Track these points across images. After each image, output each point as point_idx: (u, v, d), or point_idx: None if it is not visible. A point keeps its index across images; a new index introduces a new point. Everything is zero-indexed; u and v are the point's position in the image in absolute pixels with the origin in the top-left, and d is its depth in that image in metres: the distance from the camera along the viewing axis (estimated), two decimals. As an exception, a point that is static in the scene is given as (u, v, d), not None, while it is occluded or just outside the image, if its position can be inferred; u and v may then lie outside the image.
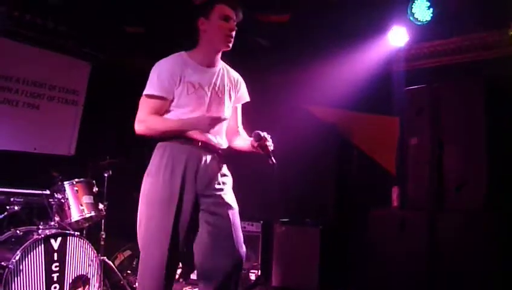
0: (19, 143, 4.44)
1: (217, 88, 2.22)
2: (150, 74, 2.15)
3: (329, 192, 4.88)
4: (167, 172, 2.10)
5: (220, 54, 2.24)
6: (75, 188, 3.75)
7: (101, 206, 3.86)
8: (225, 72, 2.29)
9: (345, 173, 4.88)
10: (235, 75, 2.36)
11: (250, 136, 2.22)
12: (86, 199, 3.76)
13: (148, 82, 2.14)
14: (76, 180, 3.78)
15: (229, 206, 2.16)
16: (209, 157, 2.17)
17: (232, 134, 2.36)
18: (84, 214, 3.69)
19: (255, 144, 2.09)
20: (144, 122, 2.10)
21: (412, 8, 4.15)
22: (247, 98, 2.39)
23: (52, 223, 3.48)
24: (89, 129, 4.85)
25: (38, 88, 4.64)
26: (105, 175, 4.10)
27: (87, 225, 3.85)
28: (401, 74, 4.55)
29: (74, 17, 4.59)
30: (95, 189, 3.88)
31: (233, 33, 2.17)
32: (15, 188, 3.68)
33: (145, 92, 2.14)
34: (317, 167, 4.87)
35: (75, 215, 3.66)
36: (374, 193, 4.48)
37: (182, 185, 2.08)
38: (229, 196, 2.21)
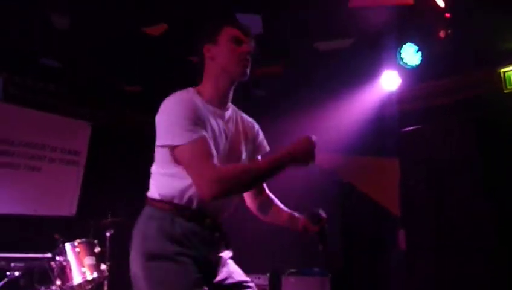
0: (20, 206, 4.42)
1: (231, 135, 1.72)
2: (163, 121, 1.59)
3: (335, 238, 4.80)
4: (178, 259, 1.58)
5: (232, 89, 1.74)
6: (77, 249, 3.71)
7: (103, 266, 3.83)
8: (237, 114, 1.81)
9: (349, 218, 4.85)
10: (250, 120, 1.86)
11: (284, 203, 1.80)
12: (88, 260, 3.72)
13: (167, 132, 1.57)
14: (78, 241, 3.75)
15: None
16: (214, 237, 1.68)
17: (256, 196, 1.85)
18: (86, 276, 3.64)
19: (312, 228, 1.67)
20: (211, 179, 1.47)
21: (400, 53, 4.26)
22: (267, 148, 1.87)
23: (54, 287, 3.42)
24: (90, 188, 4.85)
25: (39, 150, 4.69)
26: (108, 234, 4.08)
27: (89, 287, 3.78)
28: (395, 116, 4.60)
29: (73, 78, 4.70)
30: (97, 249, 3.85)
31: (249, 58, 1.70)
32: (15, 253, 3.64)
33: (179, 142, 1.54)
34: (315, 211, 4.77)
35: (77, 278, 3.60)
36: (380, 236, 4.45)
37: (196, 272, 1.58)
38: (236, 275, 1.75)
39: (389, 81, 4.46)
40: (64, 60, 4.50)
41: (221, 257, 1.71)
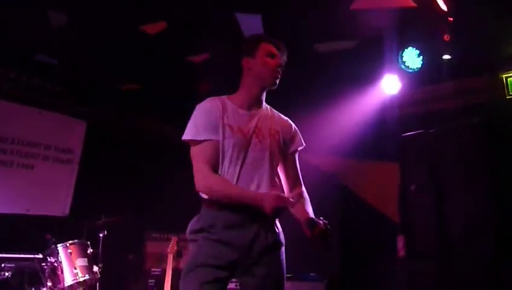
0: (12, 205, 4.38)
1: (258, 132, 2.04)
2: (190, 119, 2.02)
3: (332, 243, 4.76)
4: (202, 240, 1.92)
5: (264, 95, 2.11)
6: (69, 251, 3.69)
7: (95, 268, 3.81)
8: (270, 114, 2.13)
9: (348, 223, 4.80)
10: (284, 118, 2.19)
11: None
12: (80, 262, 3.70)
13: (187, 126, 2.00)
14: (70, 242, 3.73)
15: (273, 279, 1.95)
16: (253, 220, 1.92)
17: (290, 189, 2.11)
18: (77, 277, 3.62)
19: (309, 233, 1.84)
20: (203, 180, 1.91)
21: (402, 56, 4.25)
22: (301, 144, 2.17)
23: (44, 289, 3.40)
24: (84, 188, 4.83)
25: (33, 148, 4.65)
26: (101, 235, 4.07)
27: (81, 289, 3.74)
28: (396, 120, 4.59)
29: (70, 76, 4.67)
30: (90, 250, 3.84)
31: (280, 70, 2.07)
32: (6, 253, 3.61)
33: (185, 138, 1.98)
34: (317, 218, 4.75)
35: (68, 280, 3.58)
36: (379, 242, 4.41)
37: (215, 257, 1.88)
38: (276, 268, 1.97)
39: (390, 85, 4.48)
40: (61, 57, 4.47)
41: (262, 244, 1.93)
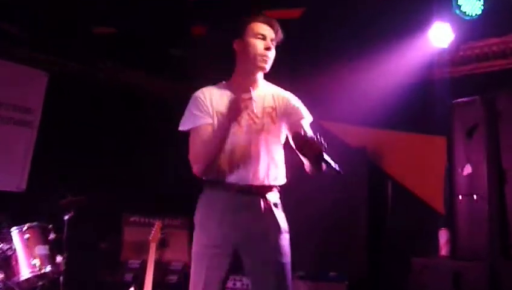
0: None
1: (252, 114, 2.49)
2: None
3: (357, 236, 4.82)
4: (203, 225, 2.47)
5: (259, 77, 2.56)
6: (26, 236, 3.70)
7: (59, 259, 3.84)
8: (266, 94, 2.57)
9: (377, 212, 4.84)
10: (282, 93, 2.61)
11: None
12: (40, 250, 3.72)
13: (184, 118, 2.54)
14: (27, 225, 3.74)
15: (272, 266, 2.41)
16: (249, 204, 2.44)
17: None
18: (36, 269, 3.63)
19: (297, 150, 2.22)
20: (192, 157, 2.43)
21: (458, -1, 4.17)
22: (304, 116, 2.57)
23: (-5, 282, 3.42)
24: (45, 158, 4.83)
25: (-19, 106, 4.65)
26: (65, 218, 4.08)
27: (40, 283, 3.77)
28: (446, 81, 4.57)
29: (29, 16, 4.60)
30: (52, 236, 3.87)
31: (270, 53, 2.49)
32: None
33: (183, 128, 2.52)
34: (340, 204, 4.83)
35: (25, 272, 3.60)
36: (415, 237, 4.45)
37: (215, 240, 2.41)
38: (273, 254, 2.43)
39: (439, 36, 4.39)
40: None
41: (261, 227, 2.42)
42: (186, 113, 2.52)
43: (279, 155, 2.53)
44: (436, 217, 4.44)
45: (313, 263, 4.65)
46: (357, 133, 5.07)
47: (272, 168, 2.48)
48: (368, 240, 4.78)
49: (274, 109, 2.54)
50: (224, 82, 2.60)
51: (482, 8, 4.12)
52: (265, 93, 2.57)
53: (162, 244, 4.60)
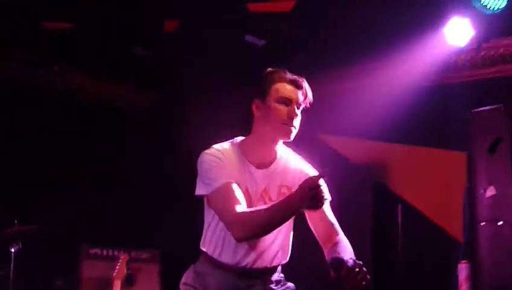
0: None
1: (264, 193, 2.51)
2: (200, 171, 2.47)
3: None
4: None
5: (277, 147, 2.54)
6: (-38, 274, 3.70)
7: None
8: (283, 167, 2.56)
9: (384, 242, 4.81)
10: (300, 168, 2.60)
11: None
12: (-20, 291, 3.74)
13: (201, 181, 2.46)
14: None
15: None
16: (246, 285, 2.49)
17: (324, 244, 2.53)
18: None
19: (334, 275, 2.16)
20: (235, 224, 2.35)
21: (478, -10, 4.18)
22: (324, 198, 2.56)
23: None
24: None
25: None
26: (12, 251, 4.05)
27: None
28: (465, 87, 4.58)
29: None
30: None
31: (295, 121, 2.45)
32: None
33: (208, 192, 2.42)
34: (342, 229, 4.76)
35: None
36: (430, 272, 4.46)
37: None
38: None
39: (457, 33, 4.37)
40: None
41: None
42: (202, 173, 2.45)
43: (289, 239, 2.58)
44: (455, 247, 4.42)
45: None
46: (360, 147, 5.06)
47: (279, 254, 2.54)
48: (373, 277, 4.71)
49: (290, 189, 2.49)
50: (237, 142, 2.55)
51: (507, 0, 4.08)
52: (283, 168, 2.55)
53: (129, 282, 4.54)
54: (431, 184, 4.71)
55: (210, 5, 4.48)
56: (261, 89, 2.48)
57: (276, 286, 2.53)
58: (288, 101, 2.44)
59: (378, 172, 4.99)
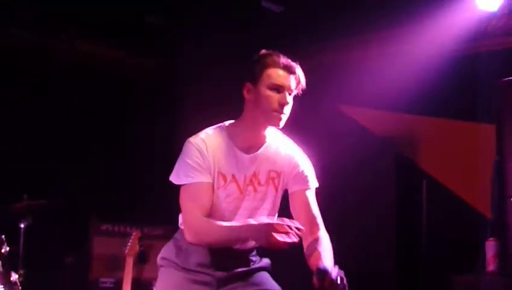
0: None
1: (254, 179, 2.58)
2: (180, 158, 2.55)
3: (384, 246, 4.80)
4: (173, 271, 2.59)
5: (266, 131, 2.57)
6: (-30, 249, 3.75)
7: (14, 276, 3.84)
8: (273, 152, 2.62)
9: (408, 218, 4.80)
10: (290, 153, 2.66)
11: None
12: (-10, 266, 3.77)
13: (177, 169, 2.54)
14: (-27, 235, 3.79)
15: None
16: (234, 265, 2.59)
17: (305, 236, 2.57)
18: (-16, 291, 3.67)
19: (317, 284, 2.26)
20: (190, 228, 2.49)
21: None
22: (308, 186, 2.65)
23: None
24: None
25: None
26: (22, 226, 4.10)
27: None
28: (496, 55, 4.52)
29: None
30: (5, 249, 3.83)
31: (286, 108, 2.47)
32: None
33: (180, 183, 2.52)
34: (364, 207, 4.81)
35: (-31, 295, 3.66)
36: (456, 248, 4.43)
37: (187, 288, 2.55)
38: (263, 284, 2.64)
39: (487, -2, 4.34)
40: None
41: (237, 276, 2.60)
42: (180, 162, 2.53)
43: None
44: (483, 224, 4.44)
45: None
46: (383, 119, 5.04)
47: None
48: (398, 254, 4.77)
49: (279, 175, 2.62)
50: (225, 126, 2.61)
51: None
52: (272, 153, 2.61)
53: (141, 259, 4.56)
54: (458, 158, 4.70)
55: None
56: (253, 72, 2.50)
57: (255, 264, 2.64)
58: (281, 88, 2.46)
59: (402, 146, 4.98)
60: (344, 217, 4.68)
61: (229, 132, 2.58)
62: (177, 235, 2.66)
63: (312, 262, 2.44)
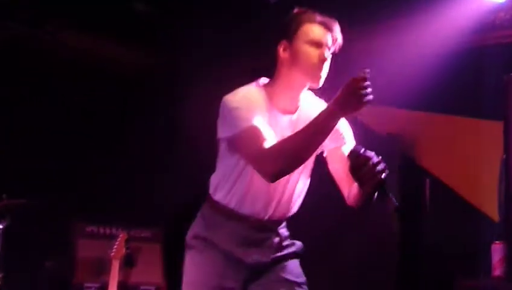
0: None
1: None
2: (225, 112, 2.47)
3: (386, 247, 4.79)
4: (206, 251, 2.59)
5: (301, 95, 2.57)
6: None
7: None
8: (305, 113, 2.57)
9: (411, 219, 4.77)
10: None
11: None
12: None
13: (225, 122, 2.47)
14: None
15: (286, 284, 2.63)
16: (261, 237, 2.61)
17: (344, 185, 2.64)
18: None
19: (351, 172, 2.34)
20: (269, 156, 2.32)
21: None
22: (344, 138, 2.67)
23: None
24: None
25: None
26: (0, 227, 4.10)
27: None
28: (503, 49, 4.52)
29: None
30: None
31: (325, 65, 2.47)
32: None
33: (234, 132, 2.42)
34: (365, 207, 4.77)
35: None
36: (461, 252, 4.44)
37: (222, 270, 2.55)
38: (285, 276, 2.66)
39: (494, -12, 4.36)
40: None
41: (271, 260, 2.62)
42: (230, 114, 2.44)
43: (307, 186, 2.69)
44: (489, 226, 4.42)
45: (328, 281, 4.65)
46: (385, 116, 5.02)
47: (296, 203, 2.67)
48: (400, 256, 4.76)
49: None
50: (261, 85, 2.59)
51: None
52: (307, 114, 2.54)
53: (128, 263, 4.59)
54: (463, 157, 4.70)
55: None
56: (289, 29, 2.48)
57: (286, 241, 2.67)
58: (319, 44, 2.45)
59: (404, 143, 4.98)
60: (346, 217, 4.67)
61: (266, 91, 2.56)
62: (204, 210, 2.65)
63: (354, 190, 2.50)
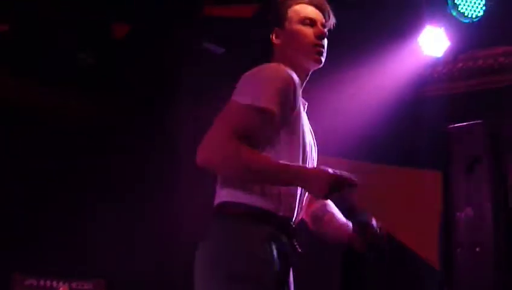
0: None
1: (312, 132, 2.47)
2: (251, 80, 2.17)
3: None
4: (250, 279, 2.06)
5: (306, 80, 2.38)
6: None
7: None
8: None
9: (352, 268, 4.80)
10: None
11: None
12: None
13: (247, 89, 2.14)
14: None
15: None
16: (294, 247, 2.25)
17: (310, 203, 2.48)
18: None
19: (358, 237, 2.37)
20: (225, 146, 2.02)
21: (454, -3, 4.27)
22: None
23: None
24: None
25: None
26: None
27: None
28: (441, 101, 4.64)
29: None
30: None
31: (324, 41, 2.31)
32: None
33: (243, 102, 2.09)
34: (310, 257, 4.75)
35: None
36: None
37: None
38: None
39: (432, 43, 4.45)
40: None
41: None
42: (258, 82, 2.13)
43: None
44: (431, 275, 4.47)
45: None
46: (329, 166, 5.01)
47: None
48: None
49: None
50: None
51: (484, 8, 4.15)
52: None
53: None
54: (403, 206, 4.73)
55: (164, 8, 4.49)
56: (278, 15, 2.34)
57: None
58: (312, 21, 2.30)
59: (344, 193, 4.97)
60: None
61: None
62: (227, 226, 2.14)
63: (326, 224, 2.44)
